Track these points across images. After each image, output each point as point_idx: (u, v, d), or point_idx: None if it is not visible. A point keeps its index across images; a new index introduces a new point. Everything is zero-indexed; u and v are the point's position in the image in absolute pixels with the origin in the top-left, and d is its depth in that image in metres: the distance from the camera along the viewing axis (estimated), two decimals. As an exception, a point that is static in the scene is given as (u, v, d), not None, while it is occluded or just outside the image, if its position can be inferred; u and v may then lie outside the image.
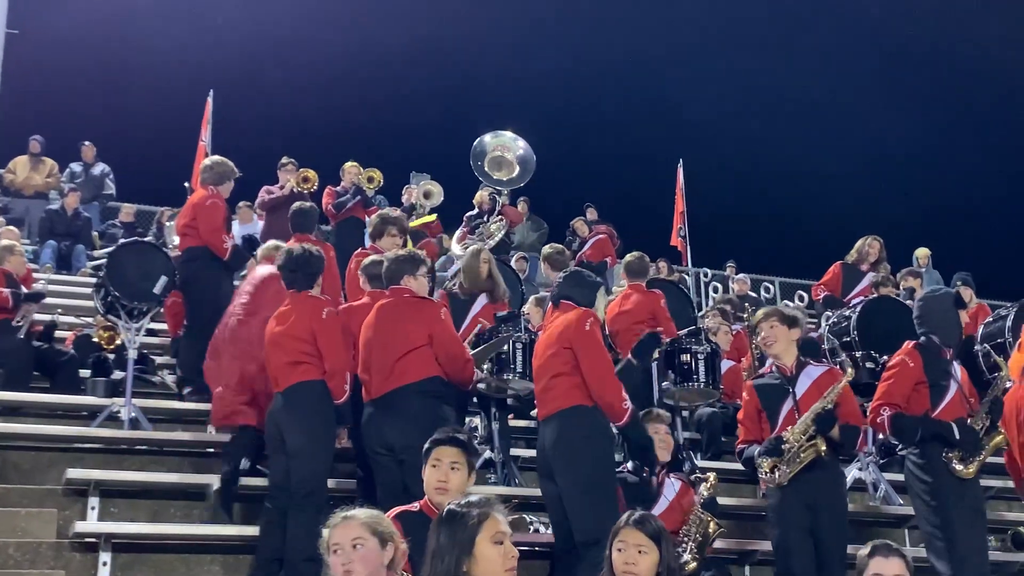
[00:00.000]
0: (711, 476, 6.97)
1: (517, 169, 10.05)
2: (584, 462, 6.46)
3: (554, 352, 6.74)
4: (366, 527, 4.15)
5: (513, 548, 3.59)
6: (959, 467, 6.89)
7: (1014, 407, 7.37)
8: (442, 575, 3.52)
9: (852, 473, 9.03)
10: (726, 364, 9.84)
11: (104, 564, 6.43)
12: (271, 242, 9.12)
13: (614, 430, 6.80)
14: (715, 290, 17.80)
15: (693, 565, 6.47)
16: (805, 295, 16.48)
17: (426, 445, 5.27)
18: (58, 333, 10.22)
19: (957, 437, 6.93)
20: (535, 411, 7.30)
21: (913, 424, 7.02)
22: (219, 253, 9.15)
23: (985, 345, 9.37)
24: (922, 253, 14.56)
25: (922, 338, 7.32)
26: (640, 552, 4.53)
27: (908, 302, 9.74)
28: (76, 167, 16.99)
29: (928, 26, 30.84)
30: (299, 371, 6.92)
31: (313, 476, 6.79)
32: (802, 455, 6.70)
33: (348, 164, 14.09)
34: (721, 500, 8.15)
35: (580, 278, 7.23)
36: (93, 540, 6.54)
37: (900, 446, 7.50)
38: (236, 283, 9.46)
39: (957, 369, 7.33)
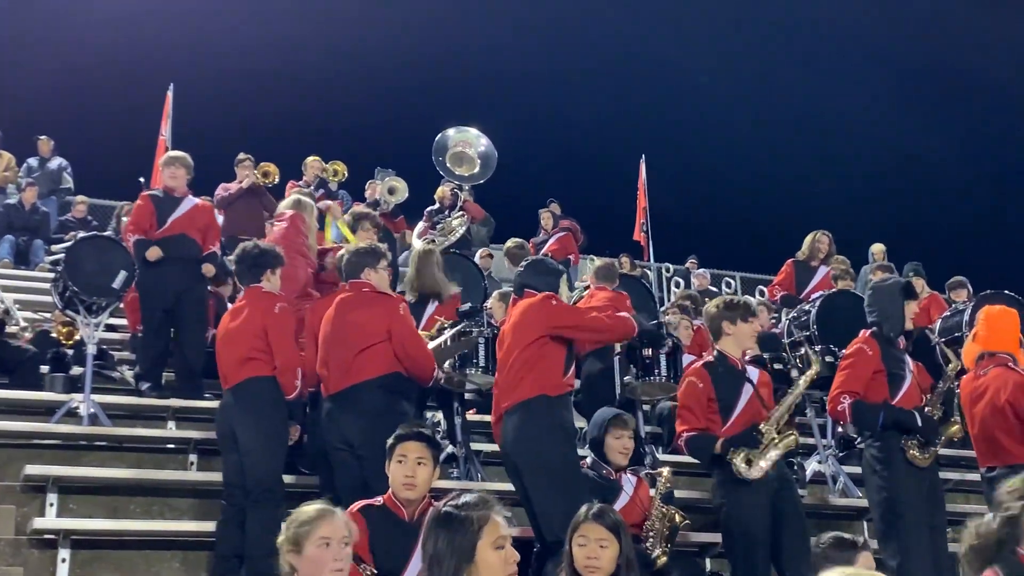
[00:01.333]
0: (665, 471, 6.98)
1: (478, 165, 10.07)
2: (550, 456, 6.48)
3: (526, 342, 6.72)
4: (347, 526, 4.21)
5: (514, 552, 3.52)
6: (917, 454, 6.97)
7: (967, 396, 7.45)
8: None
9: (811, 466, 9.12)
10: (687, 359, 9.88)
11: (63, 561, 6.41)
12: None
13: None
14: (677, 285, 17.90)
15: (664, 559, 6.49)
16: (766, 290, 16.60)
17: (390, 441, 5.27)
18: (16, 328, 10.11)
19: (919, 423, 7.03)
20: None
21: (874, 410, 7.08)
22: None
23: (942, 339, 9.50)
24: (877, 249, 14.64)
25: (875, 327, 7.41)
26: (601, 546, 4.58)
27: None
28: (33, 161, 16.77)
29: (893, 22, 31.10)
30: (249, 367, 6.91)
31: (268, 473, 6.76)
32: (779, 446, 6.72)
33: (310, 158, 14.07)
34: (681, 493, 8.24)
35: (542, 266, 7.28)
36: (52, 537, 6.51)
37: (859, 439, 7.57)
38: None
39: (909, 361, 7.43)
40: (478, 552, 3.42)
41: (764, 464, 6.64)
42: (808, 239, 12.28)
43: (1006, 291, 10.15)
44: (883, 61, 31.65)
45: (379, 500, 5.18)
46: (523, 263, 7.45)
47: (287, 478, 7.27)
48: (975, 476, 8.37)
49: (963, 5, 30.50)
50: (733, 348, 7.13)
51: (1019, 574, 4.14)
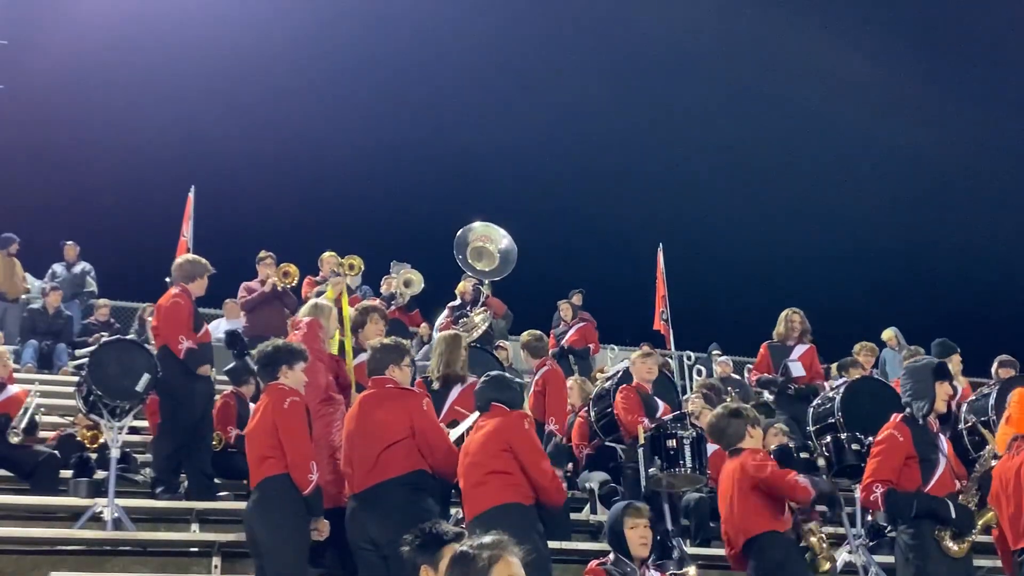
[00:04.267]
0: (692, 570, 6.92)
1: (498, 260, 10.14)
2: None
3: (492, 452, 6.75)
4: None
5: None
6: (952, 546, 6.87)
7: (1001, 480, 7.35)
8: None
9: (842, 556, 8.97)
10: (711, 448, 9.81)
11: (90, 670, 6.35)
12: None
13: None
14: (699, 373, 17.81)
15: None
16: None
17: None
18: (40, 432, 10.13)
19: (953, 514, 6.93)
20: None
21: (908, 500, 7.00)
22: (175, 352, 9.07)
23: (971, 418, 9.40)
24: (888, 336, 14.51)
25: (907, 410, 7.33)
26: None
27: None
28: (58, 267, 17.03)
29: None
30: (266, 466, 6.84)
31: (285, 571, 6.68)
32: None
33: (326, 254, 14.18)
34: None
35: (505, 382, 7.29)
36: (80, 647, 6.45)
37: (889, 527, 7.47)
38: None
39: (943, 442, 7.34)
40: None
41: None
42: (781, 318, 12.38)
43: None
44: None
45: None
46: (485, 378, 7.46)
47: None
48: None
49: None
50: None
51: None
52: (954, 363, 10.97)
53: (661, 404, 9.87)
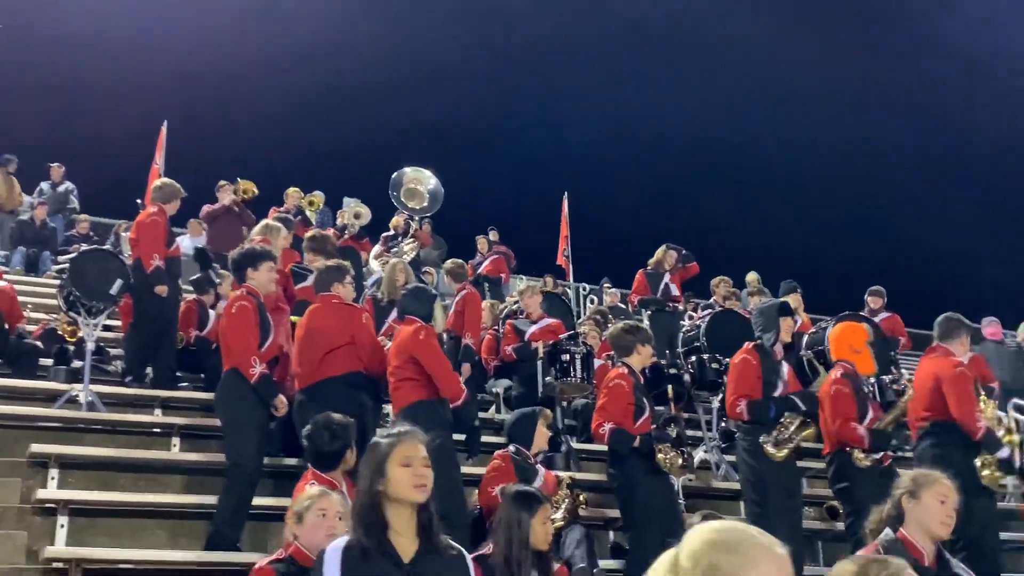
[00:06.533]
0: (565, 476, 7.07)
1: (428, 200, 10.11)
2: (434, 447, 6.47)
3: (401, 361, 6.79)
4: (341, 503, 4.52)
5: (424, 470, 3.51)
6: (772, 451, 7.11)
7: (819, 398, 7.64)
8: (363, 493, 3.52)
9: (699, 455, 9.21)
10: (597, 363, 9.97)
11: (61, 527, 6.28)
12: None
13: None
14: (591, 301, 17.97)
15: (561, 523, 6.52)
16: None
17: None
18: (26, 326, 9.98)
19: (803, 407, 7.22)
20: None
21: (766, 404, 7.24)
22: (145, 266, 8.90)
23: (808, 352, 9.68)
24: (752, 277, 14.76)
25: (758, 340, 7.54)
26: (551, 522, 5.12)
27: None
28: (45, 185, 16.78)
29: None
30: (225, 362, 6.83)
31: (233, 451, 6.62)
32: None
33: (291, 189, 13.98)
34: (591, 476, 8.32)
35: (421, 293, 7.32)
36: (52, 506, 6.38)
37: (738, 432, 7.69)
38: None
39: (785, 368, 7.57)
40: (388, 469, 3.46)
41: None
42: (659, 252, 12.61)
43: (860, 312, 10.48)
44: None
45: None
46: (405, 290, 7.49)
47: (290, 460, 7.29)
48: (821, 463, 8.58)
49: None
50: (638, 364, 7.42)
51: (895, 551, 4.22)
52: (795, 300, 11.23)
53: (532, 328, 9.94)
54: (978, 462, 6.98)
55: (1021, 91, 31.12)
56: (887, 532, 4.41)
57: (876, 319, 11.22)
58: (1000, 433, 7.36)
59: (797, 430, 7.22)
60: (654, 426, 7.19)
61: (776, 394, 7.32)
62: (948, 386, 7.12)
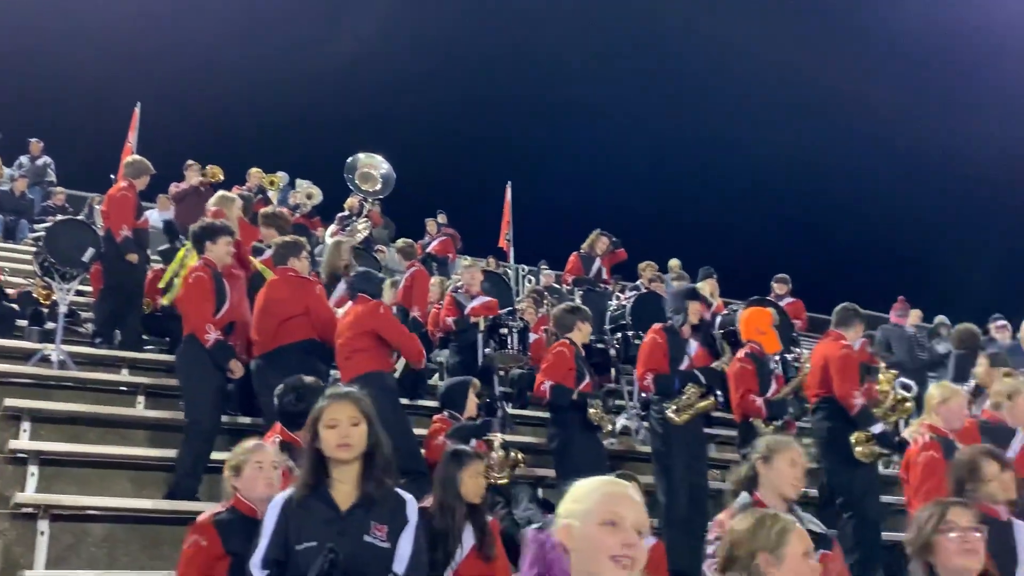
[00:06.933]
0: (497, 439, 7.14)
1: (380, 183, 10.08)
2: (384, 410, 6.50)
3: (355, 334, 6.81)
4: (277, 455, 4.52)
5: (349, 430, 3.55)
6: (673, 416, 7.28)
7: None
8: (305, 450, 3.59)
9: (621, 421, 9.35)
10: (533, 337, 10.06)
11: (32, 475, 6.23)
12: None
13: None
14: (529, 281, 18.05)
15: (505, 481, 6.61)
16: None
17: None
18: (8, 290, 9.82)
19: (703, 380, 7.38)
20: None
21: (671, 378, 7.41)
22: (115, 236, 8.81)
23: (720, 331, 9.86)
24: (674, 263, 14.93)
25: (669, 321, 7.71)
26: (484, 478, 5.13)
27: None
28: (24, 159, 16.57)
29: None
30: (184, 328, 6.83)
31: (191, 410, 6.64)
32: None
33: (253, 169, 13.82)
34: (524, 439, 8.42)
35: (370, 276, 7.38)
36: (24, 456, 6.32)
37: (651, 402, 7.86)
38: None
39: (693, 346, 7.74)
40: (319, 429, 3.55)
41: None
42: (592, 236, 12.76)
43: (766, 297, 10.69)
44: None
45: None
46: (354, 273, 7.56)
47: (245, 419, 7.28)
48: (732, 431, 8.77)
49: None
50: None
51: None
52: (710, 285, 11.40)
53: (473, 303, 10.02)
54: (852, 438, 7.16)
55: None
56: (743, 495, 4.38)
57: (781, 303, 11.44)
58: (887, 406, 7.57)
59: (697, 399, 7.41)
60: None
61: (682, 368, 7.49)
62: (834, 366, 7.33)
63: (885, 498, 7.92)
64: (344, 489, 3.52)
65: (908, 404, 7.61)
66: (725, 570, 2.95)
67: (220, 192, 9.46)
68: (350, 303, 7.44)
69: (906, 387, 9.31)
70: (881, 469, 8.20)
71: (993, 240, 29.96)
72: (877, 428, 7.20)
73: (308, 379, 5.69)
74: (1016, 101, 30.60)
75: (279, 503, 3.52)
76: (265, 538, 3.46)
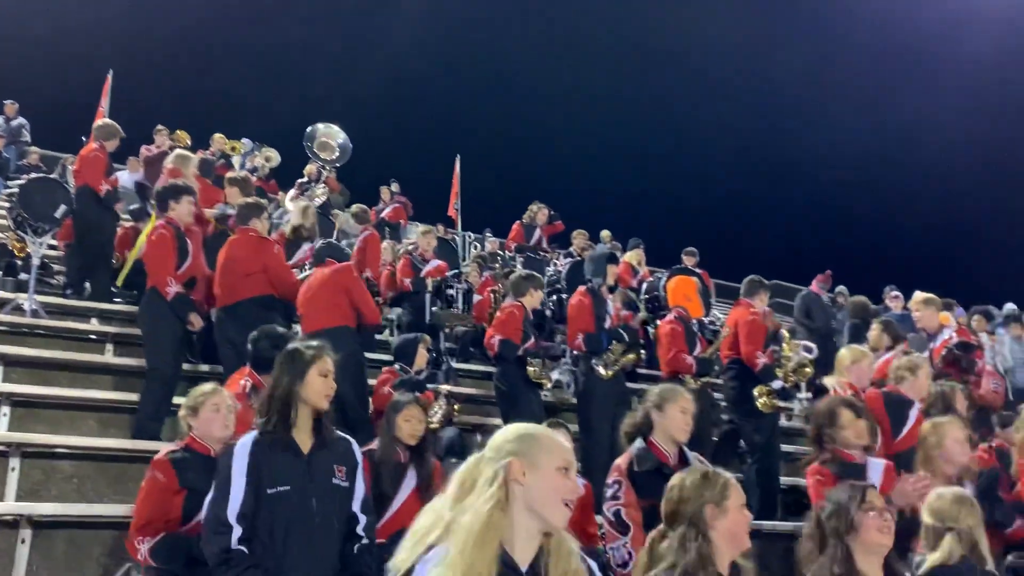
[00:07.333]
0: (443, 388, 7.19)
1: (338, 152, 9.95)
2: (351, 364, 6.43)
3: (328, 291, 6.79)
4: (232, 399, 4.47)
5: (333, 382, 3.59)
6: (602, 371, 7.38)
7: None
8: (280, 391, 3.52)
9: (555, 375, 9.42)
10: (477, 298, 10.09)
11: (4, 415, 6.11)
12: None
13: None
14: (475, 247, 18.03)
15: (437, 426, 6.65)
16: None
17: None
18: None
19: (626, 338, 7.48)
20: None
21: (599, 336, 7.48)
22: (97, 191, 8.72)
23: (644, 296, 9.99)
24: (606, 234, 15.00)
25: (590, 284, 7.80)
26: (420, 422, 5.04)
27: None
28: (0, 119, 15.85)
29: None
30: (147, 281, 6.74)
31: (152, 358, 6.56)
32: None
33: (217, 135, 13.55)
34: (466, 390, 8.45)
35: (334, 246, 7.44)
36: (-2, 398, 6.20)
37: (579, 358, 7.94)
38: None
39: (611, 305, 7.84)
40: (309, 375, 3.54)
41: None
42: (532, 207, 12.84)
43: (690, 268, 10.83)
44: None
45: None
46: (321, 243, 7.55)
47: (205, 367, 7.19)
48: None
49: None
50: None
51: (644, 455, 4.32)
52: (638, 254, 11.52)
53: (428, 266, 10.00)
54: (755, 391, 7.37)
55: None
56: (639, 440, 4.40)
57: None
58: (791, 366, 7.74)
59: (622, 355, 7.51)
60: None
61: (606, 327, 7.58)
62: (742, 331, 7.53)
63: (785, 447, 8.14)
64: (303, 434, 3.53)
65: (808, 369, 7.77)
66: (671, 523, 2.96)
67: (177, 151, 9.29)
68: (309, 264, 7.43)
69: (808, 350, 9.54)
70: (783, 421, 8.43)
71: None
72: (776, 384, 7.43)
73: (281, 329, 5.67)
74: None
75: (247, 447, 3.42)
76: (239, 486, 3.35)
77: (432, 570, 2.07)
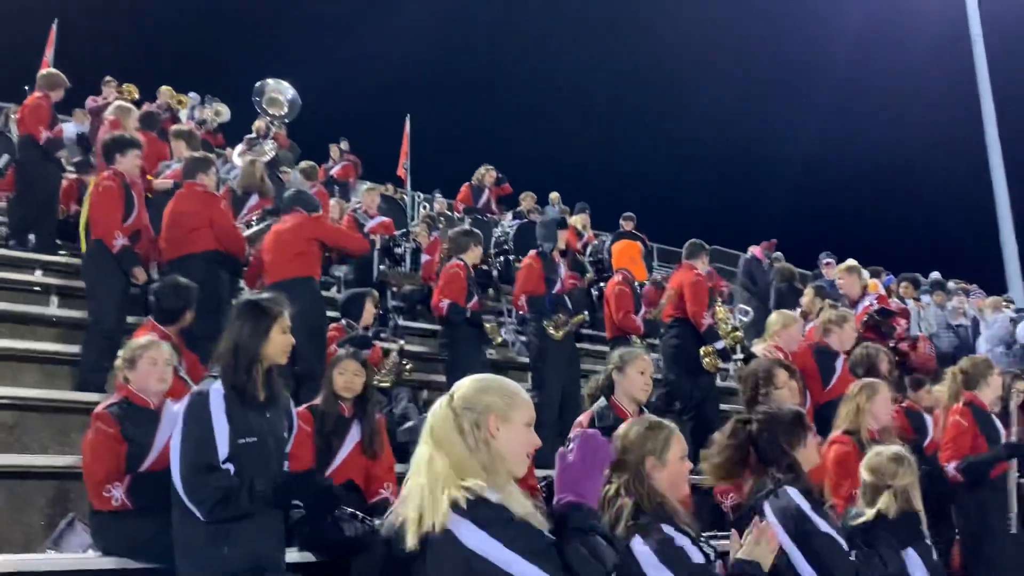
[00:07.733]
0: (396, 344, 7.17)
1: (286, 108, 9.77)
2: (311, 315, 6.42)
3: (294, 240, 6.67)
4: (170, 353, 4.41)
5: (292, 338, 3.60)
6: (552, 332, 7.44)
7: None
8: (245, 347, 3.47)
9: (501, 336, 9.46)
10: (424, 258, 10.05)
11: (-54, 368, 5.96)
12: None
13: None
14: (423, 207, 17.91)
15: (388, 384, 6.66)
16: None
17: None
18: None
19: (570, 307, 7.50)
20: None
21: (542, 299, 7.54)
22: (37, 140, 8.43)
23: (589, 257, 10.07)
24: (554, 196, 15.02)
25: (541, 248, 7.83)
26: (355, 375, 4.83)
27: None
28: (-60, 69, 15.26)
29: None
30: (92, 233, 6.51)
31: (94, 309, 6.43)
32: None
33: (164, 87, 13.18)
34: (414, 348, 8.46)
35: (304, 194, 7.27)
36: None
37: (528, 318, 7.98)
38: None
39: (563, 268, 7.89)
40: (272, 332, 3.53)
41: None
42: (481, 170, 12.89)
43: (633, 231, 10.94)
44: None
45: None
46: (291, 191, 7.41)
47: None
48: (603, 347, 9.00)
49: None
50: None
51: (606, 414, 4.45)
52: (583, 218, 11.56)
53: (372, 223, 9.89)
54: (701, 351, 7.49)
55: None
56: (601, 399, 4.55)
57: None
58: (728, 328, 7.89)
59: (571, 317, 7.57)
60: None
61: (555, 291, 7.62)
62: (688, 291, 7.62)
63: (723, 406, 8.31)
64: (258, 387, 3.52)
65: (739, 333, 7.91)
66: (615, 470, 3.01)
67: (117, 102, 9.03)
68: (256, 219, 7.29)
69: (744, 312, 9.73)
70: (719, 381, 8.60)
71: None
72: (720, 344, 7.56)
73: (184, 280, 5.66)
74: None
75: (219, 397, 3.39)
76: (223, 430, 3.35)
77: (489, 519, 2.10)
